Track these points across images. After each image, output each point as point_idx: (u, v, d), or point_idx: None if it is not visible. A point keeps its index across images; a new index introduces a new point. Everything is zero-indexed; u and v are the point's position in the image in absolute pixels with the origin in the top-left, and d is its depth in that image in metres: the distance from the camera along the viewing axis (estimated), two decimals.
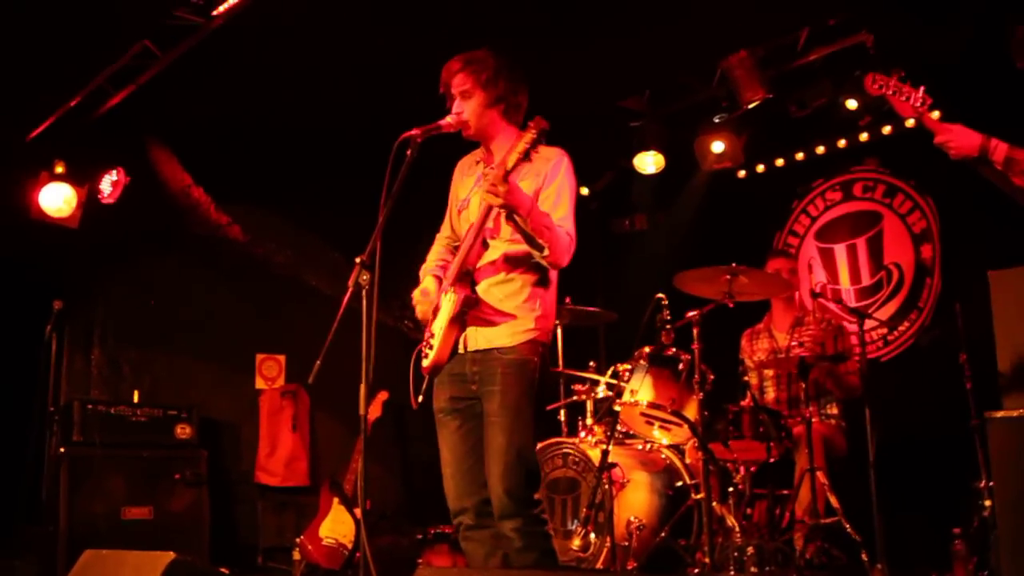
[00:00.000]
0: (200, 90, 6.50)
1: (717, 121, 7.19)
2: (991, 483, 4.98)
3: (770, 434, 5.33)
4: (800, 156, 7.43)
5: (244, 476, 7.47)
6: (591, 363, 6.07)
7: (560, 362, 6.30)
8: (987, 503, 5.02)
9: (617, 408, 5.35)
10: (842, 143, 7.13)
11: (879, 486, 5.21)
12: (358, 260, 3.20)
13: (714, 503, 5.10)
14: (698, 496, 5.10)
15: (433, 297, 3.75)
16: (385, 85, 6.41)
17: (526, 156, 3.31)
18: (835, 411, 5.94)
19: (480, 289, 3.62)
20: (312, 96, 6.66)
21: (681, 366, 5.34)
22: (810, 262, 7.27)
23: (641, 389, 5.29)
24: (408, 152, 3.40)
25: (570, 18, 5.82)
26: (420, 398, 3.72)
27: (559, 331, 6.27)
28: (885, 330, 6.90)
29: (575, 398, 5.97)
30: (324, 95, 6.67)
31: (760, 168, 7.65)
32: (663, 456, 5.70)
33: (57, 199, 6.88)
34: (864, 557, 5.07)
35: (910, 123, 6.51)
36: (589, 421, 5.86)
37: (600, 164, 8.27)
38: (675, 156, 7.59)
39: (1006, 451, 3.98)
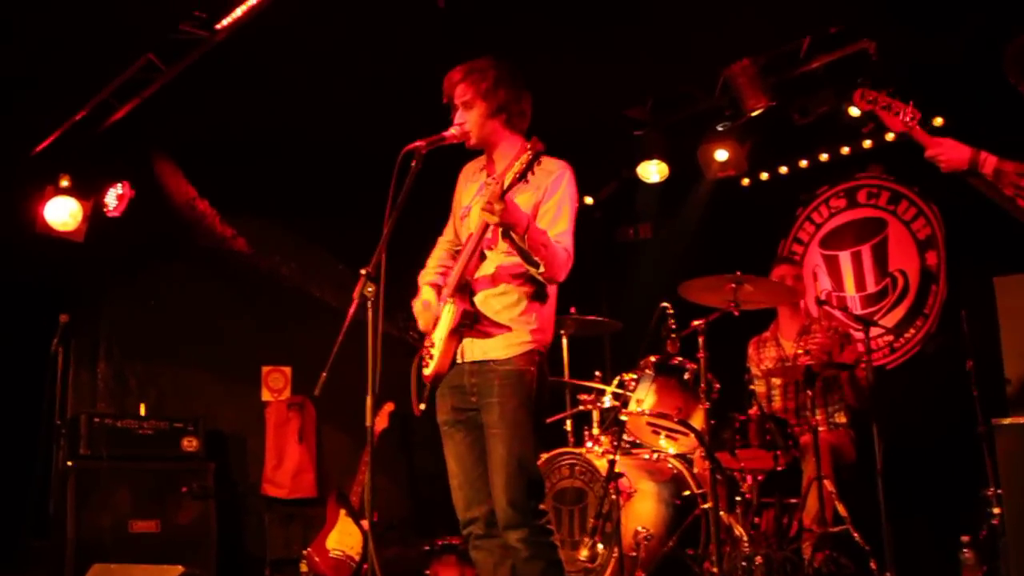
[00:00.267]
0: (204, 103, 6.52)
1: (720, 129, 7.18)
2: (999, 490, 4.97)
3: (777, 443, 5.31)
4: (804, 163, 7.43)
5: (251, 488, 7.47)
6: (597, 373, 6.06)
7: (565, 372, 6.29)
8: (996, 510, 5.01)
9: (623, 418, 5.34)
10: (846, 150, 7.13)
11: (887, 494, 5.20)
12: (363, 272, 3.20)
13: (722, 512, 5.09)
14: (705, 505, 5.10)
15: (434, 308, 3.75)
16: (389, 97, 6.44)
17: (522, 176, 3.33)
18: (843, 419, 5.93)
19: (477, 300, 3.64)
20: (316, 108, 6.68)
21: (687, 375, 5.32)
22: (815, 269, 7.26)
23: (647, 398, 5.29)
24: (412, 164, 3.41)
25: (573, 28, 5.84)
26: (423, 406, 3.73)
27: (564, 341, 6.26)
28: (891, 337, 6.88)
29: (581, 408, 5.96)
30: (328, 107, 6.69)
31: (764, 176, 7.65)
32: (670, 465, 5.69)
33: (63, 213, 6.90)
34: (873, 566, 5.06)
35: (890, 136, 6.55)
36: (595, 431, 5.85)
37: (604, 173, 8.27)
38: (679, 165, 7.59)
39: (1014, 458, 3.98)
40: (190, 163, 7.44)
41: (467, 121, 3.67)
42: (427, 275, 3.94)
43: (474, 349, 3.64)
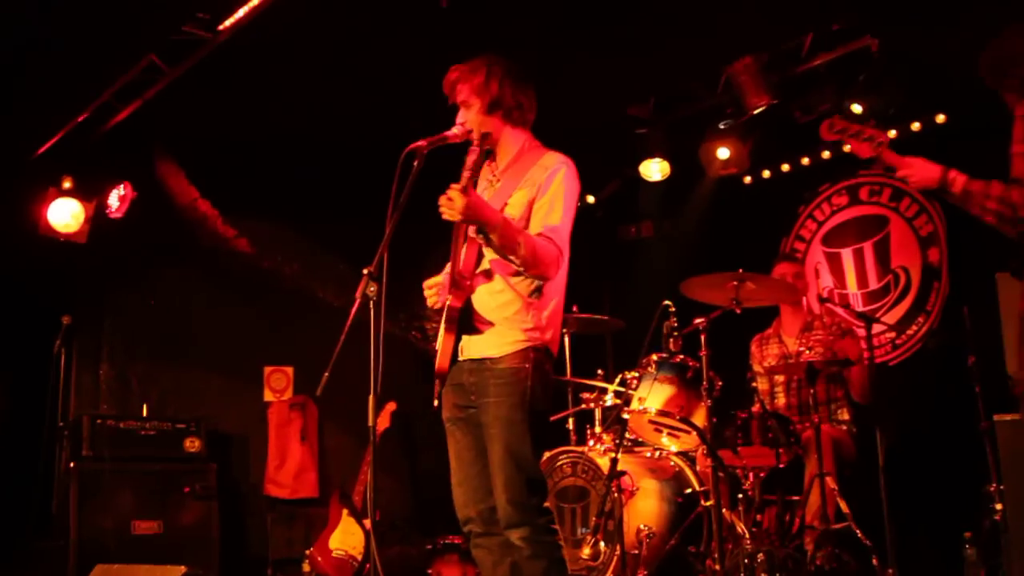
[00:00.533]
0: (206, 104, 6.53)
1: (722, 127, 7.18)
2: (1001, 486, 4.97)
3: (779, 440, 5.31)
4: (806, 161, 7.43)
5: (253, 489, 7.48)
6: (599, 371, 6.07)
7: (568, 370, 6.30)
8: (998, 507, 5.01)
9: (625, 416, 5.34)
10: (847, 148, 7.10)
11: (889, 491, 5.20)
12: (365, 271, 3.19)
13: (724, 510, 5.10)
14: (708, 503, 5.10)
15: (438, 291, 3.74)
16: (392, 96, 6.44)
17: (474, 171, 3.34)
18: (846, 416, 5.93)
19: (475, 297, 3.62)
20: (318, 108, 6.69)
21: (689, 373, 5.33)
22: (817, 267, 7.26)
23: (649, 396, 5.29)
24: (415, 163, 3.39)
25: (575, 27, 5.84)
26: (436, 402, 3.73)
27: (566, 339, 6.27)
28: (893, 334, 6.88)
29: (583, 406, 5.97)
30: (330, 107, 6.70)
31: (766, 174, 7.65)
32: (672, 463, 5.69)
33: (65, 214, 6.91)
34: (875, 562, 5.06)
35: (892, 134, 6.53)
36: (598, 429, 5.85)
37: (606, 172, 8.27)
38: (681, 163, 7.59)
39: (1016, 454, 3.98)
40: (192, 164, 7.45)
41: (467, 120, 3.66)
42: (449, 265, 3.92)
43: (471, 347, 3.63)
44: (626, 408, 5.36)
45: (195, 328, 7.43)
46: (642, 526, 5.27)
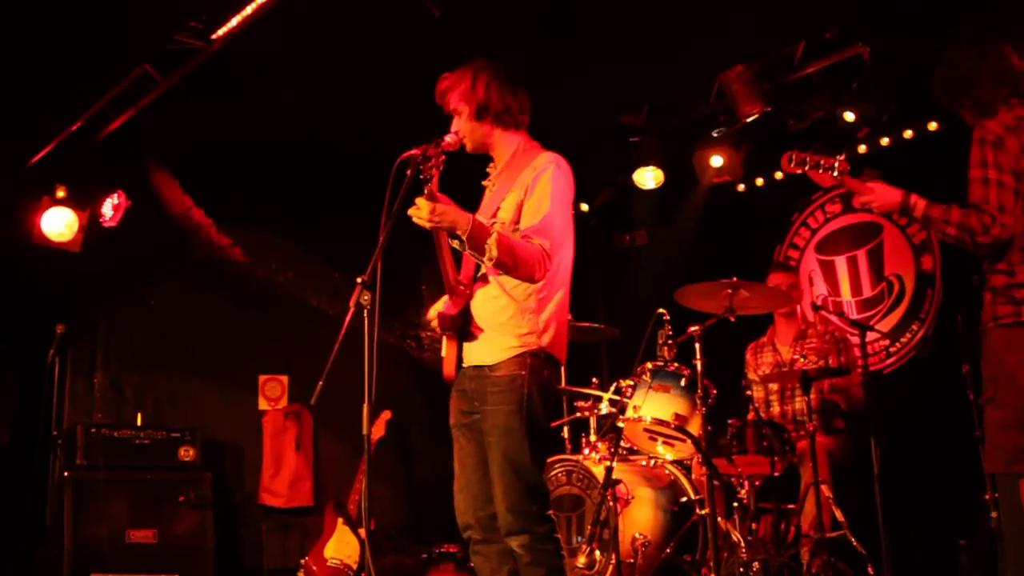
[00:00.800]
0: (200, 113, 6.53)
1: (716, 135, 7.20)
2: (996, 494, 4.97)
3: (774, 448, 5.32)
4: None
5: (248, 497, 7.46)
6: (593, 379, 6.07)
7: (563, 379, 6.30)
8: (993, 514, 5.01)
9: (620, 424, 5.34)
10: (840, 155, 7.12)
11: (884, 499, 5.20)
12: (359, 280, 3.19)
13: (719, 518, 5.09)
14: (703, 511, 5.10)
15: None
16: (386, 105, 6.45)
17: (426, 181, 3.31)
18: (840, 424, 5.93)
19: (474, 304, 3.63)
20: (312, 117, 6.69)
21: (684, 381, 5.33)
22: (811, 274, 7.27)
23: (644, 405, 5.29)
24: (408, 172, 3.39)
25: (568, 35, 5.85)
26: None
27: None
28: (887, 341, 6.89)
29: (578, 415, 5.97)
30: (324, 116, 6.70)
31: (759, 181, 7.67)
32: (667, 472, 5.70)
33: (59, 223, 6.90)
34: (870, 570, 5.06)
35: (884, 141, 6.57)
36: (593, 438, 5.85)
37: (600, 180, 8.29)
38: (675, 171, 7.61)
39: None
40: (186, 173, 7.45)
41: (460, 128, 3.67)
42: None
43: (471, 354, 3.63)
44: (621, 416, 5.36)
45: (189, 337, 7.42)
46: (637, 535, 5.27)
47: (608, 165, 7.91)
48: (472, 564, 3.73)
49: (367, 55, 5.97)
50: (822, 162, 3.91)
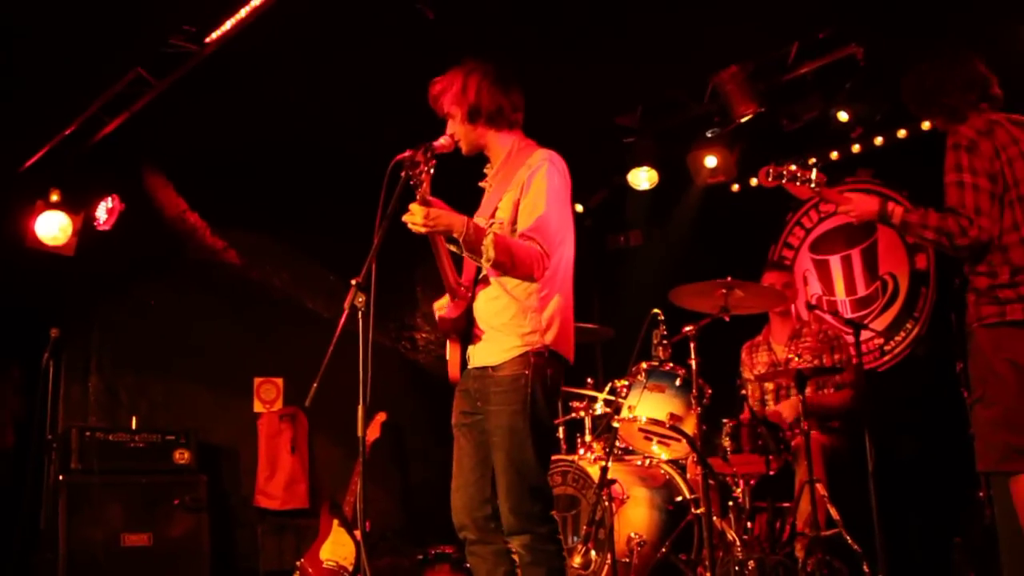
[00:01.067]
0: (194, 116, 6.53)
1: (710, 136, 7.20)
2: (991, 492, 4.98)
3: (769, 447, 5.33)
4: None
5: (243, 500, 7.46)
6: (588, 380, 6.08)
7: (562, 377, 6.29)
8: (988, 512, 5.02)
9: (616, 424, 5.35)
10: (835, 155, 7.16)
11: (879, 497, 5.21)
12: (354, 282, 3.19)
13: (714, 517, 5.10)
14: (698, 511, 5.10)
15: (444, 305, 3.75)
16: (380, 107, 6.45)
17: (417, 186, 3.30)
18: (836, 424, 5.94)
19: (477, 305, 3.63)
20: (306, 120, 6.69)
21: (678, 381, 5.34)
22: (805, 274, 7.29)
23: (639, 405, 5.30)
24: (402, 174, 3.39)
25: (562, 36, 5.86)
26: None
27: None
28: (882, 340, 6.91)
29: (573, 415, 5.98)
30: (318, 118, 6.70)
31: (753, 181, 7.66)
32: (662, 471, 5.70)
33: (52, 227, 6.88)
34: (865, 568, 5.07)
35: (878, 141, 6.59)
36: (588, 438, 5.86)
37: (594, 181, 8.30)
38: (669, 171, 7.62)
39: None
40: (180, 176, 7.45)
41: (455, 131, 3.67)
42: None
43: (475, 355, 3.64)
44: (616, 416, 5.37)
45: (184, 340, 7.41)
46: (633, 534, 5.28)
47: (602, 166, 7.93)
48: (468, 564, 3.73)
49: (361, 57, 5.97)
50: (799, 174, 3.95)
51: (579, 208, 8.35)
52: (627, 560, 5.22)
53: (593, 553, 5.17)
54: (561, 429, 6.21)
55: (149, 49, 5.79)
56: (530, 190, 3.55)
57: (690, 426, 5.21)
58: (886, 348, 6.90)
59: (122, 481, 6.47)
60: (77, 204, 6.97)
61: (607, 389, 5.73)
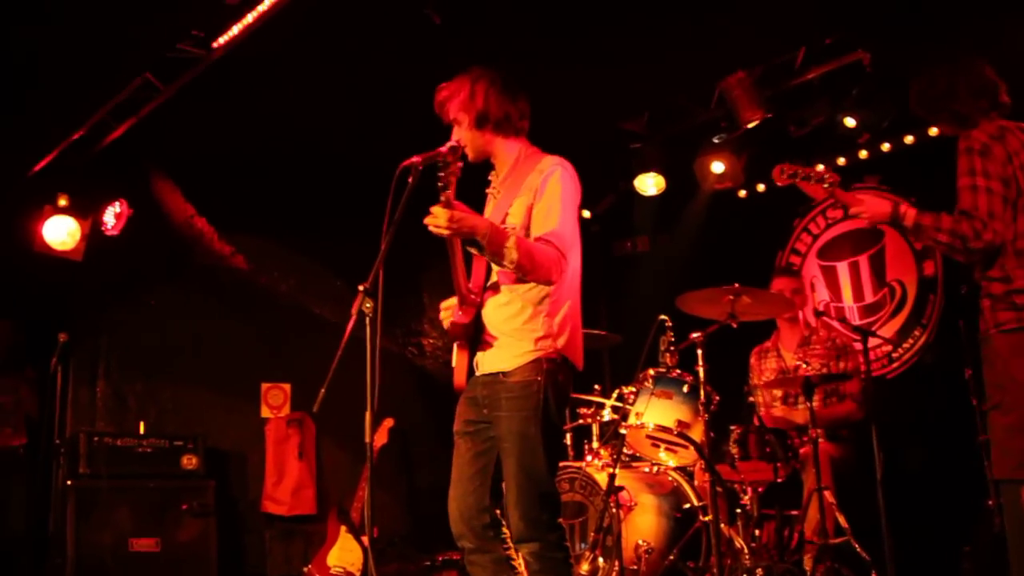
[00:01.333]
0: (201, 121, 6.54)
1: (717, 142, 7.20)
2: (1000, 500, 4.96)
3: (777, 454, 5.31)
4: None
5: (251, 505, 7.46)
6: (596, 386, 6.06)
7: (571, 384, 6.28)
8: (997, 520, 5.00)
9: (623, 431, 5.34)
10: (842, 161, 7.15)
11: (888, 504, 5.19)
12: (361, 288, 3.19)
13: (722, 525, 5.09)
14: (706, 518, 5.09)
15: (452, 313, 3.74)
16: (387, 113, 6.45)
17: (446, 185, 3.30)
18: (844, 432, 5.92)
19: (486, 312, 3.62)
20: (313, 125, 6.70)
21: (686, 388, 5.32)
22: (812, 280, 7.27)
23: (646, 411, 5.28)
24: (409, 179, 3.38)
25: (569, 42, 5.86)
26: None
27: None
28: (890, 347, 6.89)
29: (580, 422, 5.96)
30: (325, 124, 6.71)
31: (761, 187, 7.67)
32: (670, 478, 5.69)
33: (61, 232, 6.91)
34: None
35: (885, 147, 6.58)
36: (595, 444, 5.84)
37: (601, 187, 8.29)
38: (676, 177, 7.61)
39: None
40: (188, 181, 7.47)
41: (461, 137, 3.66)
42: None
43: (485, 362, 3.62)
44: (623, 423, 5.35)
45: (192, 345, 7.43)
46: (640, 541, 5.27)
47: (609, 172, 7.92)
48: (469, 573, 3.71)
49: (368, 63, 5.98)
50: (812, 174, 3.93)
51: (586, 214, 8.34)
52: (635, 567, 5.20)
53: (601, 560, 5.16)
54: (569, 436, 6.19)
55: (157, 54, 5.81)
56: (544, 195, 3.56)
57: (697, 433, 5.19)
58: (894, 355, 6.88)
59: (130, 486, 6.49)
60: (85, 209, 6.99)
61: (614, 396, 5.71)
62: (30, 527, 6.52)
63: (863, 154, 6.99)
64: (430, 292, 8.05)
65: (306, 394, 7.71)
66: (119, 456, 6.56)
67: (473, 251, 3.47)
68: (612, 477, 5.05)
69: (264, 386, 7.73)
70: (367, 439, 3.24)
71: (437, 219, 3.29)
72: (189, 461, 6.78)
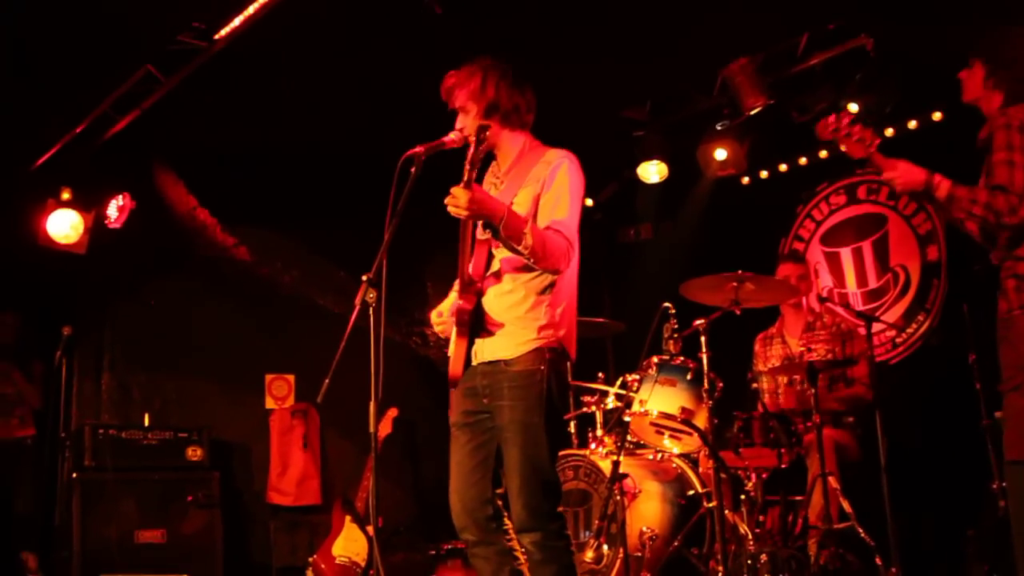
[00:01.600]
0: (204, 113, 6.54)
1: (719, 129, 7.19)
2: (1004, 484, 4.96)
3: (781, 440, 5.32)
4: (803, 161, 7.44)
5: (256, 496, 7.48)
6: (600, 374, 6.07)
7: (569, 374, 6.29)
8: (1002, 503, 5.01)
9: (627, 418, 5.34)
10: (843, 147, 7.12)
11: (891, 489, 5.20)
12: (364, 278, 3.19)
13: (727, 511, 5.10)
14: (710, 504, 5.10)
15: (447, 317, 3.73)
16: (389, 102, 6.45)
17: (473, 165, 3.32)
18: (850, 419, 5.92)
19: (486, 300, 3.59)
20: (315, 116, 6.70)
21: (690, 375, 5.32)
22: (816, 266, 7.27)
23: (650, 399, 5.28)
24: (412, 169, 3.38)
25: (571, 30, 5.85)
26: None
27: None
28: (894, 333, 6.89)
29: (584, 409, 5.97)
30: (327, 114, 6.70)
31: (764, 174, 7.66)
32: (674, 465, 5.70)
33: (64, 225, 6.91)
34: (878, 561, 5.06)
35: (889, 132, 6.57)
36: (599, 432, 5.85)
37: (604, 175, 8.28)
38: (679, 165, 7.60)
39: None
40: (191, 173, 7.46)
41: (466, 125, 3.65)
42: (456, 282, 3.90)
43: (484, 350, 3.59)
44: (627, 411, 5.35)
45: (196, 337, 7.44)
46: (645, 528, 5.28)
47: (612, 160, 7.91)
48: (473, 565, 3.71)
49: (370, 53, 5.97)
50: (855, 133, 3.87)
51: (589, 202, 8.33)
52: (639, 554, 5.21)
53: (605, 547, 5.17)
54: (573, 423, 6.21)
55: (158, 46, 5.80)
56: (553, 185, 3.56)
57: (701, 420, 5.20)
58: (898, 340, 6.88)
59: (135, 478, 6.50)
60: (88, 202, 6.99)
61: (618, 383, 5.72)
62: (37, 519, 6.54)
63: None
64: (434, 282, 8.05)
65: (310, 385, 7.73)
66: (124, 448, 6.57)
67: (486, 235, 3.46)
68: (616, 464, 5.06)
69: (268, 377, 7.74)
70: (371, 429, 3.25)
71: (457, 199, 3.28)
72: (194, 452, 6.79)
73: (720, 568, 4.83)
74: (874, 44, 6.13)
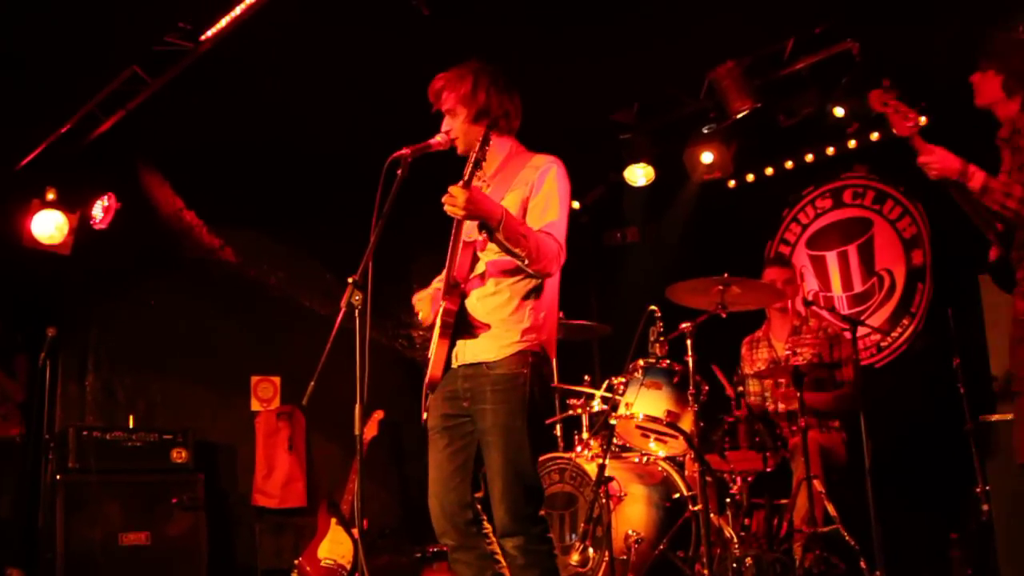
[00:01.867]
0: (190, 114, 6.52)
1: (706, 132, 7.20)
2: (987, 487, 4.99)
3: (766, 444, 5.33)
4: (789, 165, 7.47)
5: (241, 499, 7.46)
6: (585, 377, 6.07)
7: (555, 377, 6.29)
8: (985, 507, 5.03)
9: (613, 421, 5.34)
10: (831, 151, 7.16)
11: (876, 493, 5.21)
12: (350, 280, 3.18)
13: (712, 514, 5.10)
14: (696, 508, 5.10)
15: (433, 299, 3.72)
16: (375, 105, 6.44)
17: (477, 165, 3.31)
18: (835, 423, 5.94)
19: (469, 302, 3.57)
20: (301, 117, 6.68)
21: (675, 378, 5.33)
22: (802, 270, 7.29)
23: (636, 402, 5.28)
24: (398, 172, 3.37)
25: (558, 33, 5.85)
26: (425, 414, 3.66)
27: None
28: (879, 336, 6.91)
29: (570, 412, 5.97)
30: (313, 116, 6.69)
31: (750, 178, 7.68)
32: (660, 468, 5.70)
33: (49, 226, 6.88)
34: (863, 564, 5.07)
35: (874, 136, 6.59)
36: (585, 435, 5.85)
37: (591, 177, 8.29)
38: (665, 168, 7.62)
39: (1001, 454, 4.00)
40: (177, 174, 7.44)
41: (453, 128, 3.65)
42: (440, 277, 3.87)
43: (466, 352, 3.58)
44: (613, 414, 5.35)
45: (181, 338, 7.41)
46: (630, 532, 5.28)
47: (599, 163, 7.92)
48: (454, 570, 3.69)
49: (356, 55, 5.97)
50: (903, 110, 3.88)
51: (575, 205, 8.34)
52: (625, 557, 5.21)
53: (591, 551, 5.17)
54: (558, 426, 6.20)
55: (144, 47, 5.78)
56: (542, 189, 3.56)
57: (687, 423, 5.20)
58: (883, 344, 6.90)
59: (120, 480, 6.48)
60: (73, 203, 6.96)
61: (604, 386, 5.72)
62: (20, 519, 6.51)
63: (852, 144, 7.02)
64: (420, 284, 8.01)
65: (296, 387, 7.71)
66: (108, 450, 6.54)
67: (481, 236, 3.44)
68: (602, 467, 5.06)
69: (254, 379, 7.73)
70: (357, 431, 3.24)
71: (455, 199, 3.26)
72: (179, 455, 6.77)
73: (705, 571, 4.84)
74: (860, 48, 6.16)
